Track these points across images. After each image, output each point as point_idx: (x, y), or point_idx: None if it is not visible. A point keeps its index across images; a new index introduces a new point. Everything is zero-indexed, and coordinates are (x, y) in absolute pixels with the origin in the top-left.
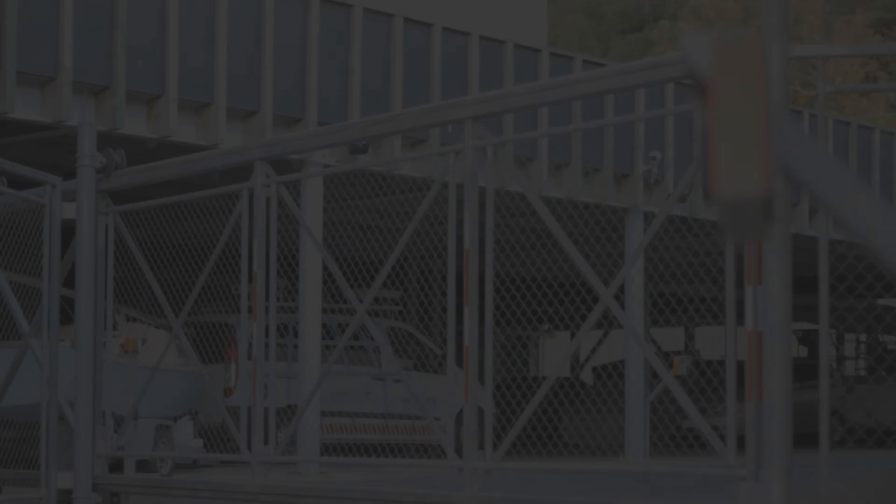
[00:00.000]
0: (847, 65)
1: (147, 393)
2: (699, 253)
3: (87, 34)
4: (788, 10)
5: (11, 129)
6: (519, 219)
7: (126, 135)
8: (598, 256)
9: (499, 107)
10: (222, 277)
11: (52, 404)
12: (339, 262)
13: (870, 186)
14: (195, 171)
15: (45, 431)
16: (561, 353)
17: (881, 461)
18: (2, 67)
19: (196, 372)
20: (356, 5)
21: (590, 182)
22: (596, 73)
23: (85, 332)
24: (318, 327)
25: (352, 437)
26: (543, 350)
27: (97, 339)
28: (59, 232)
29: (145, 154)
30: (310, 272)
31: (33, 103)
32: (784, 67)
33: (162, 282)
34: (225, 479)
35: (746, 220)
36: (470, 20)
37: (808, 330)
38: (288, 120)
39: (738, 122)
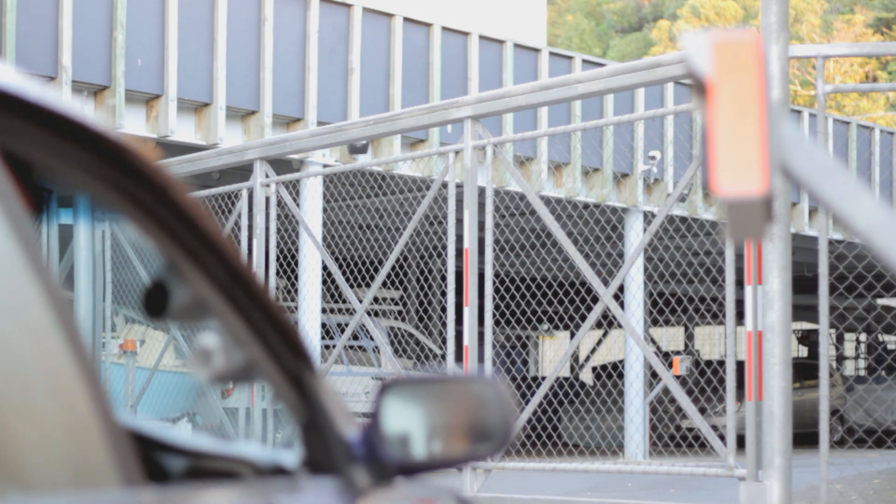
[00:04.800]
0: (847, 64)
1: (145, 393)
2: (699, 253)
3: (86, 34)
4: (787, 10)
5: None
6: (518, 219)
7: (125, 135)
8: (597, 256)
9: (498, 107)
10: None
11: None
12: (338, 262)
13: (870, 186)
14: (195, 171)
15: None
16: (561, 353)
17: (880, 461)
18: None
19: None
20: (356, 5)
21: (589, 182)
22: (595, 73)
23: (83, 333)
24: (317, 327)
25: None
26: (543, 350)
27: (96, 340)
28: (57, 233)
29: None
30: (309, 272)
31: None
32: (784, 67)
33: None
34: None
35: (746, 219)
36: (470, 20)
37: (807, 329)
38: (287, 120)
39: (738, 121)
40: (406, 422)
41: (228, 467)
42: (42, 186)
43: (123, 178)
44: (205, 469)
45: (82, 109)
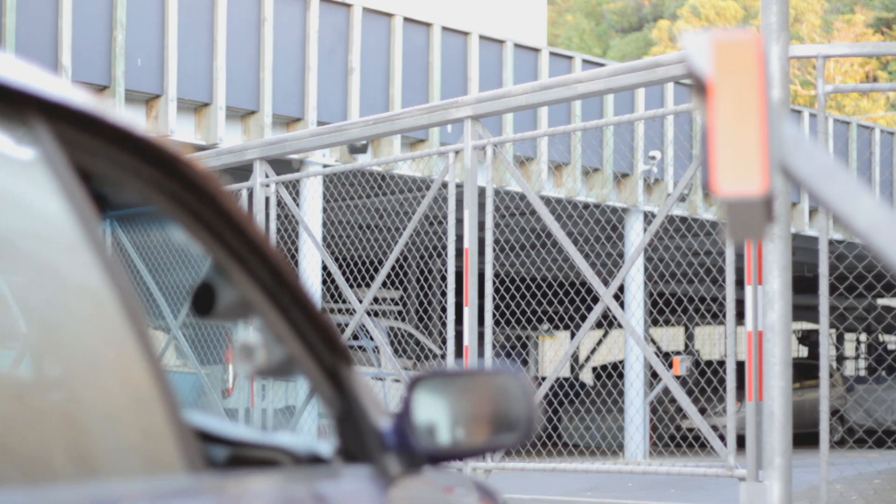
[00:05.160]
0: (847, 64)
1: None
2: (699, 253)
3: (86, 33)
4: (787, 10)
5: None
6: (519, 219)
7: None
8: (597, 256)
9: (498, 107)
10: None
11: None
12: (338, 262)
13: (870, 186)
14: None
15: None
16: (561, 354)
17: (881, 461)
18: None
19: (194, 373)
20: (355, 5)
21: (590, 182)
22: (595, 73)
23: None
24: None
25: None
26: (543, 350)
27: None
28: None
29: None
30: (309, 272)
31: None
32: (784, 67)
33: (160, 283)
34: None
35: (746, 220)
36: (470, 20)
37: (808, 330)
38: (287, 120)
39: (738, 121)
40: (435, 413)
41: (268, 456)
42: (100, 195)
43: (178, 188)
44: (246, 457)
45: (139, 122)
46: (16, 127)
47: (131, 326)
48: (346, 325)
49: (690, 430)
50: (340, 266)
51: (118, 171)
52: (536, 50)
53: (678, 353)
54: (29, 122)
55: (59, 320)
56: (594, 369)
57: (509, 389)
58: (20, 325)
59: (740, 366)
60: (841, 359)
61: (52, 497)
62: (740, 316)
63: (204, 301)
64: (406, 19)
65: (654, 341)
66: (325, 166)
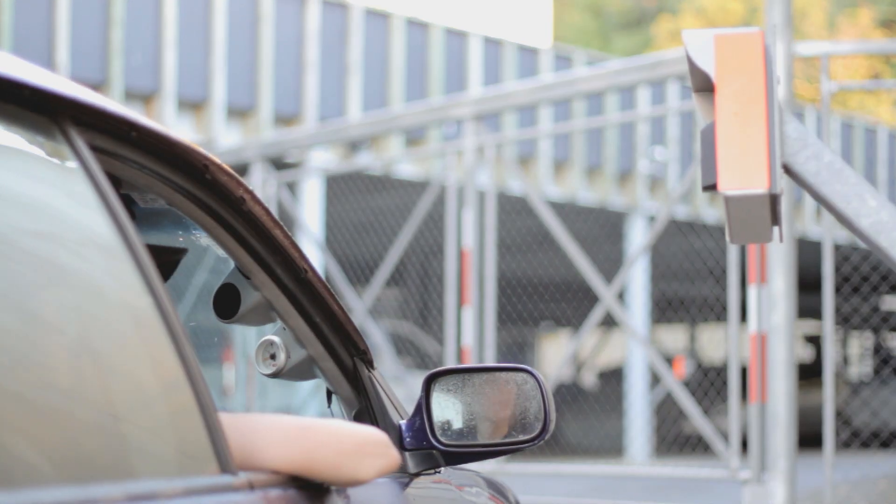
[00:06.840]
0: (850, 60)
1: None
2: (701, 252)
3: (83, 31)
4: (791, 8)
5: None
6: (515, 218)
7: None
8: (596, 256)
9: (500, 106)
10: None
11: None
12: (339, 262)
13: (874, 185)
14: None
15: None
16: (562, 354)
17: (886, 463)
18: None
19: None
20: (355, 4)
21: (591, 180)
22: (597, 71)
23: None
24: None
25: None
26: (543, 351)
27: None
28: None
29: None
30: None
31: None
32: (789, 66)
33: None
34: None
35: (750, 221)
36: (471, 19)
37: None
38: (286, 118)
39: (741, 120)
40: (451, 411)
41: None
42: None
43: (206, 193)
44: None
45: (165, 127)
46: (52, 135)
47: (171, 337)
48: None
49: (692, 433)
50: (341, 265)
51: (146, 176)
52: (538, 49)
53: (681, 354)
54: (65, 131)
55: (100, 333)
56: (601, 375)
57: (526, 387)
58: (64, 333)
59: (745, 367)
60: (846, 360)
61: (93, 493)
62: (744, 316)
63: (225, 304)
64: (406, 19)
65: (657, 343)
66: (325, 170)
